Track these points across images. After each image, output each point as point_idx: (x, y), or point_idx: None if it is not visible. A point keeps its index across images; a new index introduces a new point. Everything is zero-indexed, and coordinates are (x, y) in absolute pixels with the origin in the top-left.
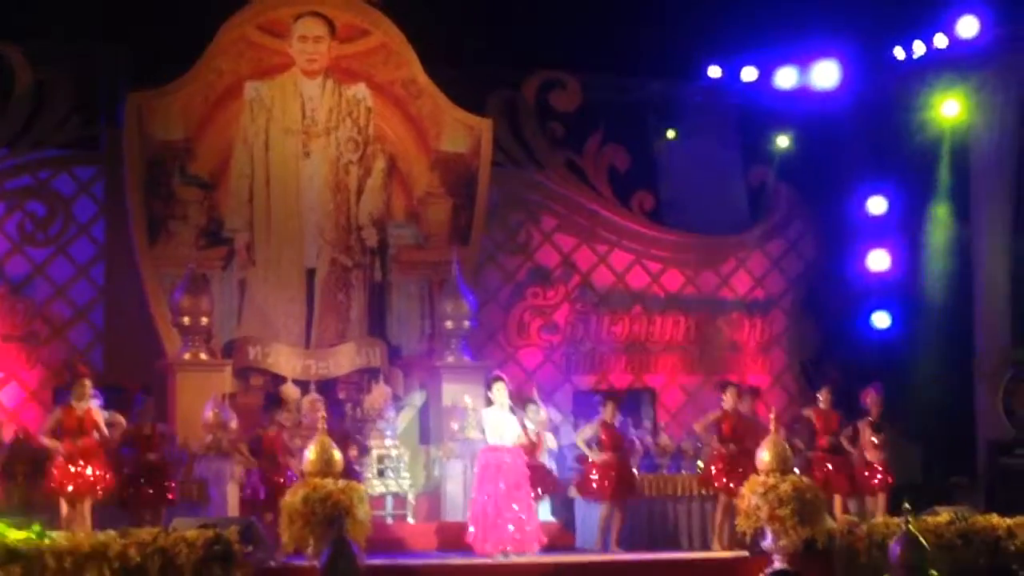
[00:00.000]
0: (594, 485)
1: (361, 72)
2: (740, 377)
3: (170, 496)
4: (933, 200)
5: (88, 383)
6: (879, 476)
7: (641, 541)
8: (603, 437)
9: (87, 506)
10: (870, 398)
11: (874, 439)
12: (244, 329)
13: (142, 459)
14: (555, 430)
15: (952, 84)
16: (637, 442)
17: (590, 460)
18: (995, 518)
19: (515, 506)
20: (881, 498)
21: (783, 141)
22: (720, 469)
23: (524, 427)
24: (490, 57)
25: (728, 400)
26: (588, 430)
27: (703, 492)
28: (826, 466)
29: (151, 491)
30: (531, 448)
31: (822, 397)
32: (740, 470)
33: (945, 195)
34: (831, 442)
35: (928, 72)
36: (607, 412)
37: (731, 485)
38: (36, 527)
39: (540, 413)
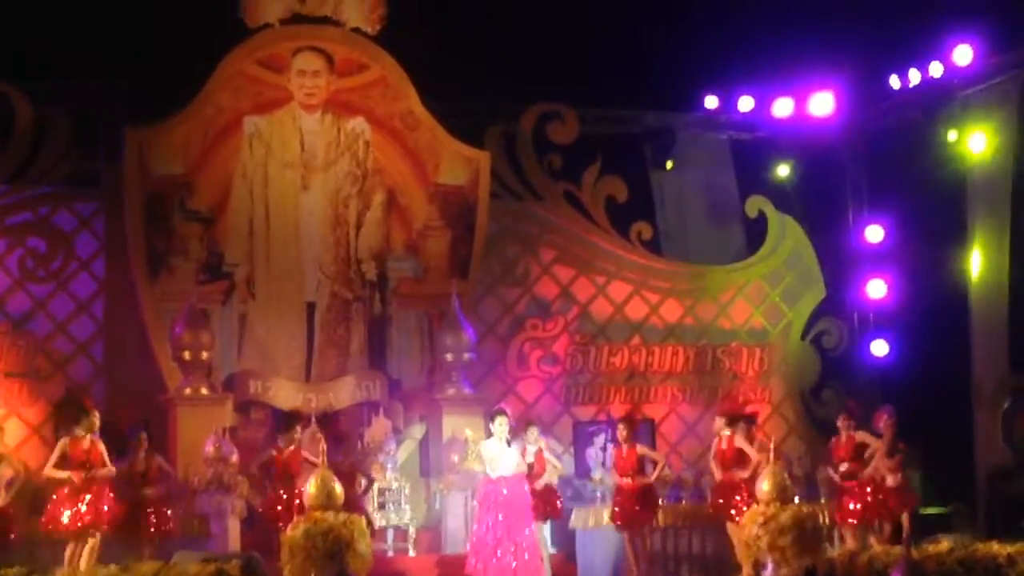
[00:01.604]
0: (616, 510)
1: (360, 106)
2: (739, 407)
3: (162, 529)
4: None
5: (97, 415)
6: (896, 501)
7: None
8: (616, 461)
9: (93, 541)
10: (883, 422)
11: (889, 463)
12: (244, 363)
13: (137, 495)
14: (557, 457)
15: (948, 112)
16: (659, 464)
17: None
18: (995, 545)
19: (516, 537)
20: (904, 518)
21: (780, 170)
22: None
23: (524, 450)
24: (488, 90)
25: (721, 427)
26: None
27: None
28: (844, 494)
29: (147, 526)
30: (533, 473)
31: (840, 425)
32: (721, 500)
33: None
34: (847, 469)
35: (924, 100)
36: (621, 435)
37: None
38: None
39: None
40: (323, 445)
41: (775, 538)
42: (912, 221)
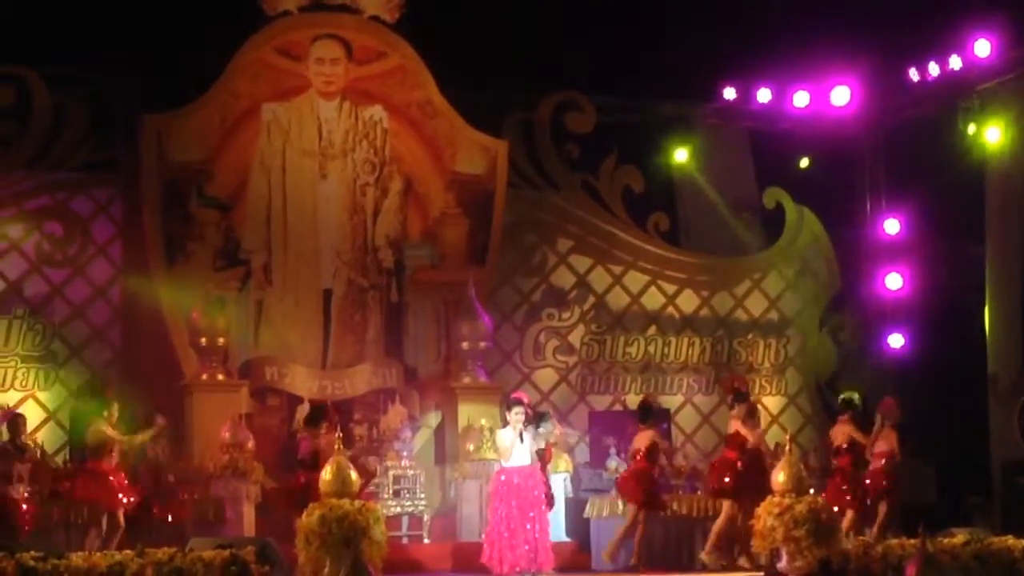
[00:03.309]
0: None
1: (378, 94)
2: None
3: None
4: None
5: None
6: (873, 484)
7: (658, 560)
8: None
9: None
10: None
11: (876, 448)
12: (261, 350)
13: (160, 480)
14: (570, 450)
15: (966, 105)
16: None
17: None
18: (1011, 539)
19: (529, 526)
20: (881, 506)
21: (798, 162)
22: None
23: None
24: (506, 79)
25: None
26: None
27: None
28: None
29: (168, 512)
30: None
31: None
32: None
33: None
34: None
35: (943, 93)
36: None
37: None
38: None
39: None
40: (339, 433)
41: (790, 529)
42: (929, 214)
